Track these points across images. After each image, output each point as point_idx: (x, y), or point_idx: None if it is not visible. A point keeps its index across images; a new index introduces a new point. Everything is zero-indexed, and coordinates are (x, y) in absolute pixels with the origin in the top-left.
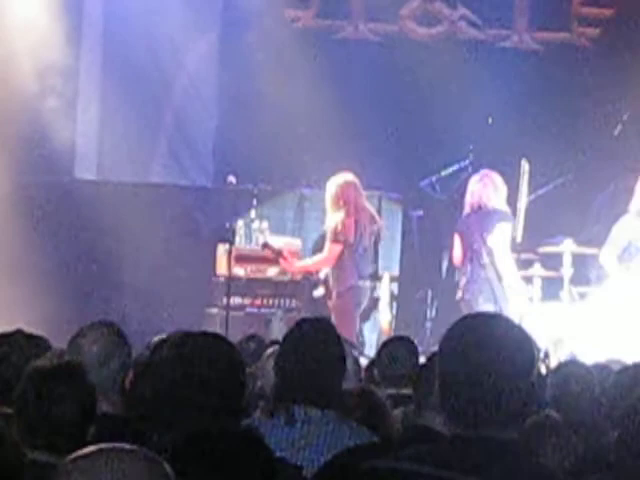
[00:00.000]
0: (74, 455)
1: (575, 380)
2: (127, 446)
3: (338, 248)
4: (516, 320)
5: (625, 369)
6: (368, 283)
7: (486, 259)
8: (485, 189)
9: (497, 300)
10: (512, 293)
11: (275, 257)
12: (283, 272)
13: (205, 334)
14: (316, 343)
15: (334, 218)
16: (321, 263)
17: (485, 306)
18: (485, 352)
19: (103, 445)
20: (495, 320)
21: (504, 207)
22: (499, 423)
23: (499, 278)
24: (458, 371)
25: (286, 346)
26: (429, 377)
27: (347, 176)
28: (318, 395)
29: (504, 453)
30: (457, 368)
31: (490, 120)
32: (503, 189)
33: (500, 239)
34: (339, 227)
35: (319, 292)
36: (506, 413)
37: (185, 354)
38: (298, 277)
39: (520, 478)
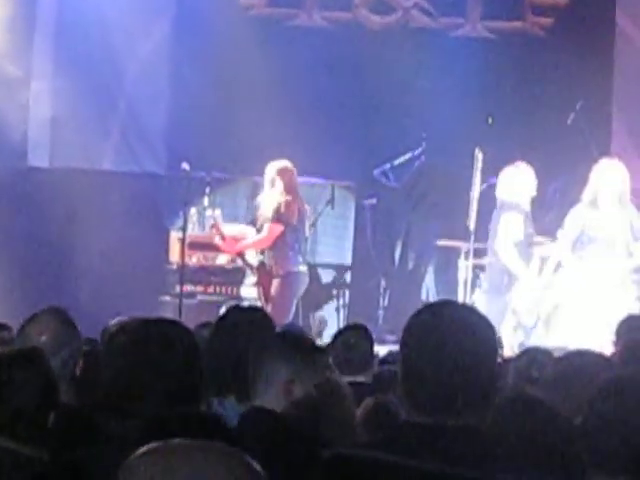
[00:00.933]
0: (144, 449)
1: (537, 367)
2: (204, 441)
3: (279, 229)
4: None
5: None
6: (306, 269)
7: (491, 251)
8: (499, 182)
9: (501, 291)
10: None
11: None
12: (234, 259)
13: (162, 320)
14: (244, 332)
15: (275, 199)
16: (261, 242)
17: (492, 296)
18: (449, 340)
19: (176, 440)
20: (458, 308)
21: (515, 198)
22: (463, 410)
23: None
24: (422, 359)
25: (214, 333)
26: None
27: (286, 162)
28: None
29: (469, 440)
30: (421, 356)
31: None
32: (518, 179)
33: (500, 230)
34: (282, 208)
35: (246, 290)
36: (471, 400)
37: (142, 340)
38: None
39: (486, 464)
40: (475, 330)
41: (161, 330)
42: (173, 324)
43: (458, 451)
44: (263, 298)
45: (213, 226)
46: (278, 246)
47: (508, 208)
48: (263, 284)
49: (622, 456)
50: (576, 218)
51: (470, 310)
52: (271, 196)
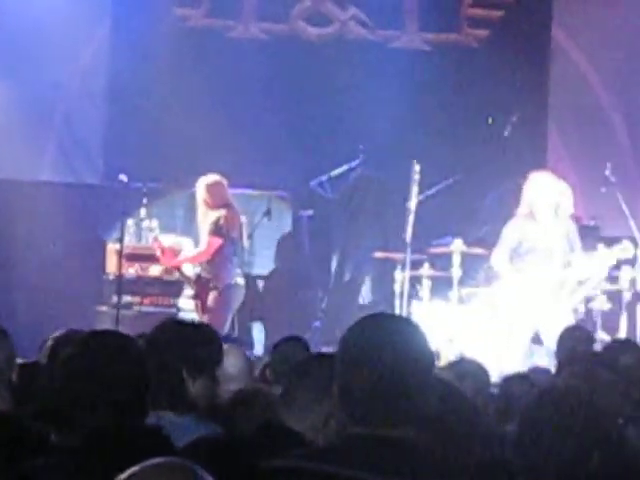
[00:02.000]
0: (127, 473)
1: (471, 378)
2: (177, 460)
3: (218, 242)
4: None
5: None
6: (243, 280)
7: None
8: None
9: None
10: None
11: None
12: (171, 270)
13: (109, 332)
14: (179, 346)
15: (214, 214)
16: (200, 256)
17: None
18: (385, 352)
19: (151, 461)
20: (394, 320)
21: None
22: (398, 422)
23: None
24: (358, 371)
25: (148, 344)
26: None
27: (215, 176)
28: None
29: (404, 451)
30: (357, 368)
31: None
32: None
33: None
34: (221, 221)
35: (184, 302)
36: (406, 412)
37: (89, 351)
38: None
39: (421, 475)
40: (409, 342)
41: (108, 341)
42: (120, 335)
43: (394, 462)
44: (200, 310)
45: (155, 240)
46: (216, 259)
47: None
48: (200, 296)
49: (552, 465)
50: (513, 230)
51: (405, 322)
52: (207, 211)
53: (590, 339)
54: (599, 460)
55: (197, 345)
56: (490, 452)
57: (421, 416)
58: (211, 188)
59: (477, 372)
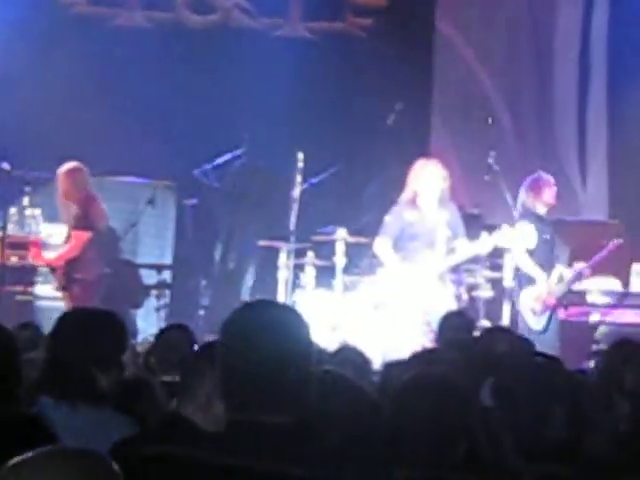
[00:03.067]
0: (15, 461)
1: (351, 366)
2: (72, 447)
3: (85, 235)
4: None
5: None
6: (110, 270)
7: None
8: None
9: None
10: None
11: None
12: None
13: None
14: (78, 333)
15: (76, 206)
16: (71, 252)
17: None
18: (265, 339)
19: (45, 449)
20: (274, 308)
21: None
22: (279, 408)
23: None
24: (237, 358)
25: (53, 335)
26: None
27: (75, 163)
28: (79, 384)
29: (287, 437)
30: (238, 354)
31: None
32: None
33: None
34: (85, 214)
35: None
36: (287, 398)
37: None
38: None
39: (300, 461)
40: (289, 329)
41: None
42: None
43: (271, 448)
44: (69, 302)
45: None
46: (83, 253)
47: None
48: (68, 289)
49: (422, 450)
50: (396, 217)
51: (285, 309)
52: (68, 202)
53: (470, 326)
54: (465, 449)
55: (103, 336)
56: (368, 437)
57: (300, 403)
58: (70, 176)
59: (357, 360)
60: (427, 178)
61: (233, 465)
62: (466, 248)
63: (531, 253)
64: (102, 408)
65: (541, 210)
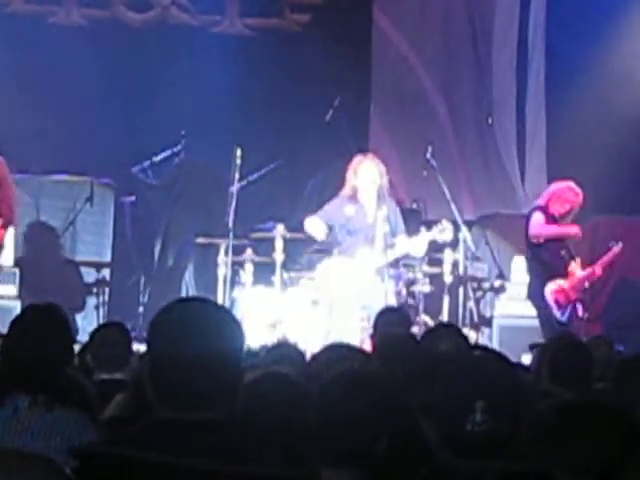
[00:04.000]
0: None
1: (289, 362)
2: (21, 451)
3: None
4: None
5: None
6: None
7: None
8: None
9: None
10: None
11: None
12: None
13: None
14: (42, 330)
15: None
16: None
17: None
18: (196, 335)
19: None
20: (203, 305)
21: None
22: (208, 405)
23: None
24: (167, 355)
25: (11, 334)
26: None
27: None
28: (41, 383)
29: (217, 433)
30: (166, 352)
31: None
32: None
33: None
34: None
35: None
36: (216, 395)
37: None
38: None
39: (236, 457)
40: (220, 326)
41: None
42: None
43: (206, 445)
44: None
45: None
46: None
47: None
48: None
49: (346, 450)
50: (334, 207)
51: (215, 307)
52: None
53: (406, 321)
54: (388, 446)
55: (65, 331)
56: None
57: (230, 400)
58: None
59: (293, 356)
60: (364, 174)
61: (162, 463)
62: (405, 244)
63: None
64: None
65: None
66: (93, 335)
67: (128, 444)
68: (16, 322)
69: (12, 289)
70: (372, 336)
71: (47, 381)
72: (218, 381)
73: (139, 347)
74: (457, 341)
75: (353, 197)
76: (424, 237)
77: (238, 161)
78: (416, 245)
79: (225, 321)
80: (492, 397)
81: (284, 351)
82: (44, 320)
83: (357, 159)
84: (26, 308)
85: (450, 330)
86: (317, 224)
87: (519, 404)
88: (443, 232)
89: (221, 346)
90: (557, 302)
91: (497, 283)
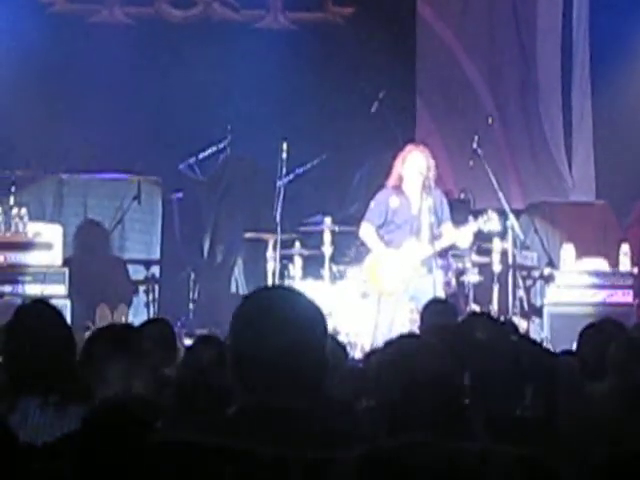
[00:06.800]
0: None
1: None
2: None
3: None
4: None
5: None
6: None
7: None
8: None
9: None
10: None
11: None
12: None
13: None
14: (35, 328)
15: None
16: None
17: None
18: (280, 323)
19: None
20: (288, 292)
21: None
22: (295, 393)
23: None
24: (254, 342)
25: (7, 333)
26: None
27: None
28: (45, 380)
29: (303, 421)
30: (252, 339)
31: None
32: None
33: None
34: None
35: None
36: (303, 384)
37: None
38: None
39: (315, 446)
40: (303, 314)
41: None
42: None
43: (292, 433)
44: None
45: None
46: None
47: None
48: None
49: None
50: (380, 202)
51: (298, 295)
52: None
53: (453, 312)
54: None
55: (58, 326)
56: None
57: (315, 389)
58: None
59: (332, 348)
60: (412, 163)
61: (246, 450)
62: (450, 234)
63: None
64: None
65: None
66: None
67: (212, 432)
68: (10, 326)
69: (61, 288)
70: (419, 327)
71: (54, 380)
72: (301, 369)
73: (189, 343)
74: (492, 329)
75: (398, 187)
76: (470, 228)
77: (284, 155)
78: (462, 236)
79: (308, 309)
80: (538, 382)
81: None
82: (34, 319)
83: (408, 148)
84: (15, 310)
85: (483, 318)
86: (372, 235)
87: (558, 388)
88: (489, 222)
89: (304, 334)
90: None
91: (547, 271)
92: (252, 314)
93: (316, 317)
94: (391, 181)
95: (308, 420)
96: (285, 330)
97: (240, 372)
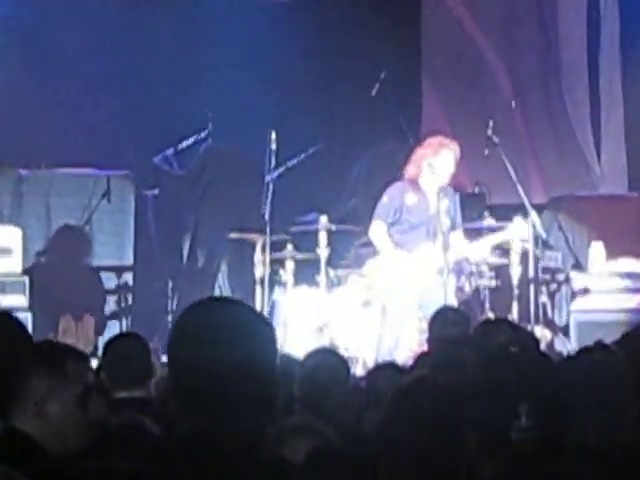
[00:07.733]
0: None
1: (324, 370)
2: None
3: None
4: None
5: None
6: None
7: None
8: None
9: None
10: None
11: None
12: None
13: None
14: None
15: None
16: None
17: None
18: (223, 339)
19: None
20: (233, 304)
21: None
22: (239, 417)
23: None
24: (193, 361)
25: None
26: None
27: None
28: None
29: (244, 447)
30: (192, 357)
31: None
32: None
33: None
34: None
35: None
36: (248, 406)
37: None
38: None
39: (260, 471)
40: (249, 329)
41: None
42: None
43: (236, 458)
44: None
45: None
46: None
47: None
48: None
49: (408, 461)
50: (393, 197)
51: (245, 307)
52: None
53: (465, 321)
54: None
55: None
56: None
57: (267, 408)
58: None
59: (332, 363)
60: (446, 160)
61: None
62: (463, 249)
63: None
64: None
65: None
66: (106, 349)
67: (147, 460)
68: None
69: (22, 299)
70: (427, 338)
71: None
72: (248, 391)
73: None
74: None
75: (414, 182)
76: (487, 242)
77: (273, 146)
78: (475, 251)
79: (256, 323)
80: (536, 398)
81: (321, 358)
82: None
83: (440, 139)
84: None
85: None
86: (384, 237)
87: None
88: (513, 231)
89: (251, 352)
90: None
91: (573, 274)
92: (190, 329)
93: (263, 331)
94: (410, 171)
95: (253, 447)
96: (227, 346)
97: (179, 393)
